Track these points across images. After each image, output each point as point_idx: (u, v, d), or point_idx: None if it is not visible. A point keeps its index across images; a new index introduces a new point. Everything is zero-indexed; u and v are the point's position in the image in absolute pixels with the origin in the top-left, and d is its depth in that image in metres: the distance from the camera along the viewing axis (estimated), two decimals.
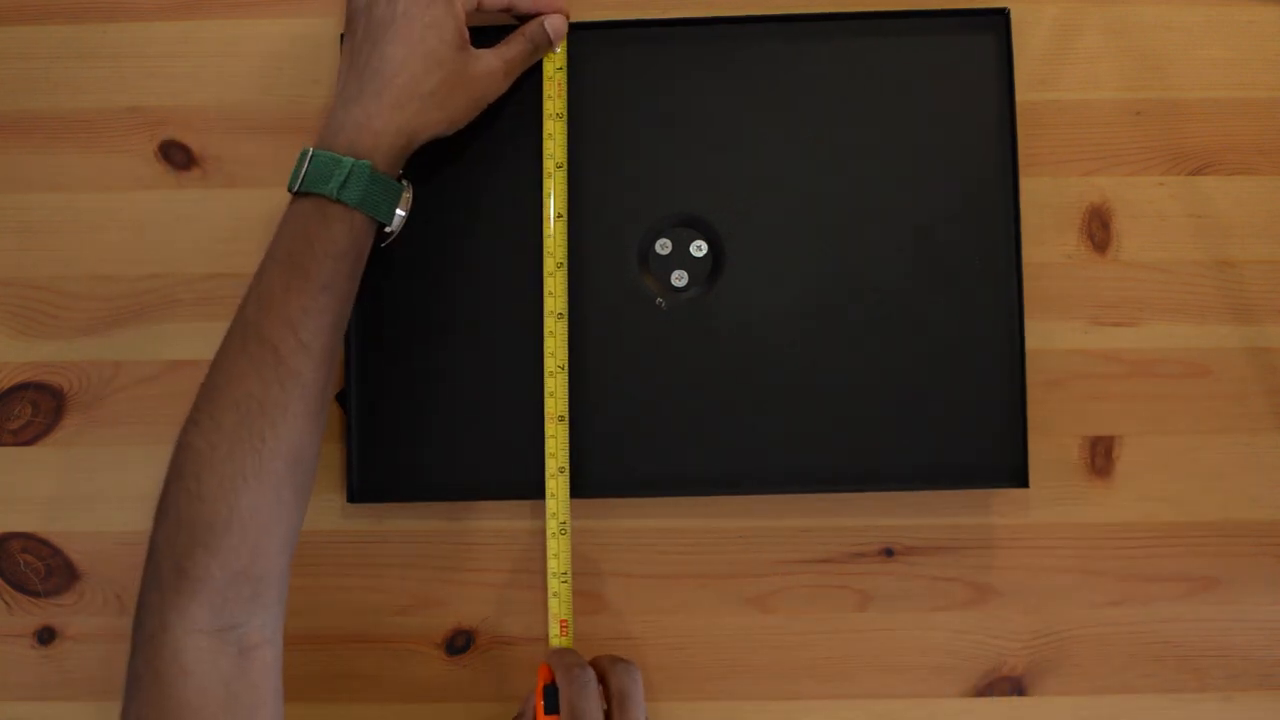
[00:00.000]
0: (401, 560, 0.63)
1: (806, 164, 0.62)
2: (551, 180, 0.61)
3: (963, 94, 0.62)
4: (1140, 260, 0.63)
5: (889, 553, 0.63)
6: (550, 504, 0.61)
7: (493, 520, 0.63)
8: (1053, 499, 0.63)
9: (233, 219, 0.64)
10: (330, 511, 0.63)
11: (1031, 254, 0.63)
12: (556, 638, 0.61)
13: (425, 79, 0.55)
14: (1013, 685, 0.62)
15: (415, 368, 0.62)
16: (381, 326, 0.62)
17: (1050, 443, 0.63)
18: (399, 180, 0.56)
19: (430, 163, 0.61)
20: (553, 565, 0.61)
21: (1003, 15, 0.62)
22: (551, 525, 0.61)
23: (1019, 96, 0.63)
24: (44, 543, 0.64)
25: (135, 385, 0.64)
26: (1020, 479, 0.61)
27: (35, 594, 0.63)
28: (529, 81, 0.62)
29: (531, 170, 0.62)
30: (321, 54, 0.64)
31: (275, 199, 0.64)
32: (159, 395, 0.64)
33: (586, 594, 0.63)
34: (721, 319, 0.62)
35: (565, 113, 0.62)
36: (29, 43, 0.65)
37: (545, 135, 0.62)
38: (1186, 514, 0.63)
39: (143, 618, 0.49)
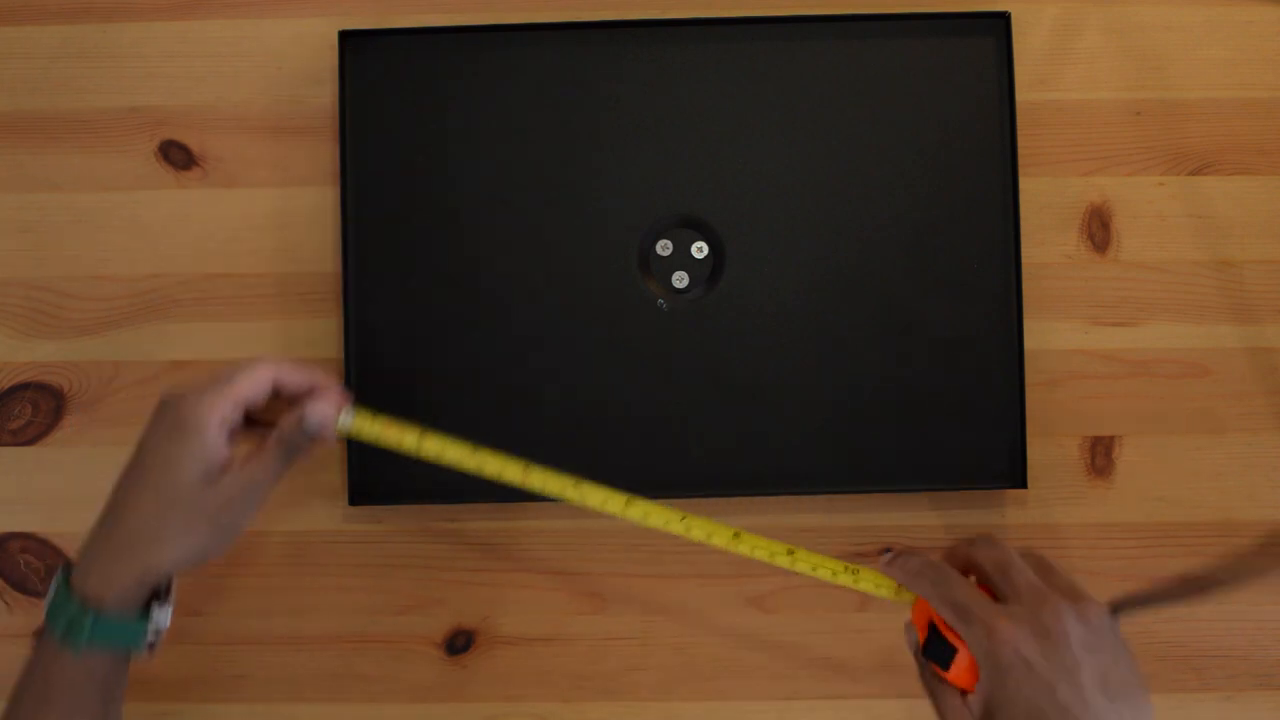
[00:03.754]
0: (401, 560, 0.63)
1: (807, 165, 0.62)
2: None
3: (963, 96, 0.62)
4: (1140, 260, 0.63)
5: (889, 553, 0.63)
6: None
7: (492, 520, 0.63)
8: (1053, 499, 0.63)
9: (233, 219, 0.64)
10: (330, 512, 0.63)
11: (1031, 254, 0.63)
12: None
13: (157, 519, 0.51)
14: None
15: (415, 368, 0.62)
16: (381, 326, 0.62)
17: (1050, 443, 0.63)
18: (143, 611, 0.51)
19: (433, 162, 0.61)
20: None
21: (1003, 19, 0.62)
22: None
23: (1019, 96, 0.62)
24: (44, 543, 0.64)
25: (135, 385, 0.64)
26: (1019, 480, 0.61)
27: (35, 594, 0.63)
28: (532, 81, 0.62)
29: (533, 171, 0.62)
30: (321, 54, 0.64)
31: (275, 199, 0.64)
32: (159, 395, 0.63)
33: (587, 594, 0.63)
34: (722, 320, 0.62)
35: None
36: (29, 43, 0.65)
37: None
38: (1186, 514, 0.63)
39: None
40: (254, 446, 0.52)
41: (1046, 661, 0.46)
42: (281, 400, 0.53)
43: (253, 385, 0.51)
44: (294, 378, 0.53)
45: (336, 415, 0.52)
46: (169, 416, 0.51)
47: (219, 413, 0.50)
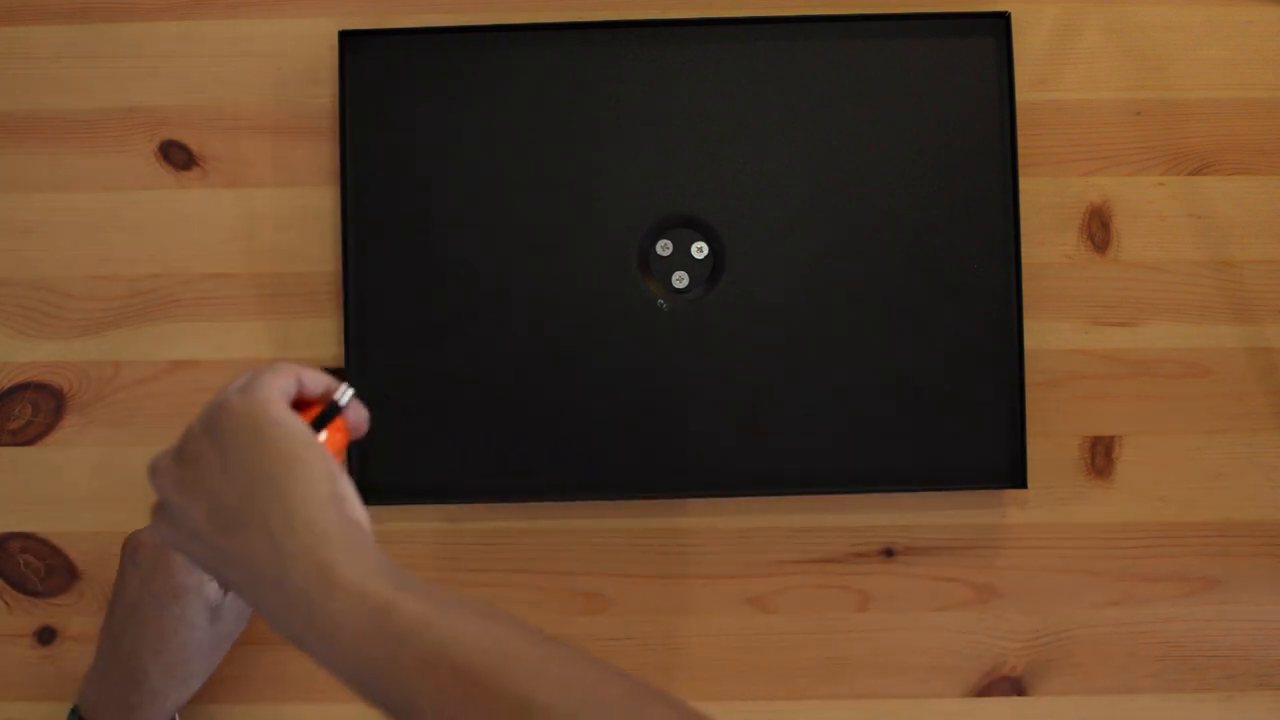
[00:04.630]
0: (402, 560, 0.63)
1: (807, 165, 0.62)
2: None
3: (963, 96, 0.62)
4: (1140, 260, 0.63)
5: (889, 553, 0.63)
6: None
7: (493, 520, 0.63)
8: (1053, 499, 0.63)
9: (233, 219, 0.64)
10: None
11: (1031, 254, 0.63)
12: None
13: (177, 668, 0.56)
14: (1013, 685, 0.62)
15: (416, 368, 0.62)
16: (381, 326, 0.62)
17: (1050, 443, 0.63)
18: None
19: (433, 162, 0.61)
20: None
21: (1003, 19, 0.62)
22: None
23: (1019, 96, 0.62)
24: (44, 543, 0.64)
25: (135, 385, 0.64)
26: (1019, 480, 0.61)
27: (35, 594, 0.63)
28: (532, 81, 0.62)
29: (533, 171, 0.62)
30: (321, 54, 0.64)
31: (275, 199, 0.64)
32: (159, 395, 0.64)
33: (586, 594, 0.63)
34: (722, 320, 0.62)
35: None
36: (29, 43, 0.65)
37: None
38: (1186, 514, 0.63)
39: None
40: None
41: (179, 490, 0.43)
42: None
43: None
44: None
45: None
46: (159, 579, 0.55)
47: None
